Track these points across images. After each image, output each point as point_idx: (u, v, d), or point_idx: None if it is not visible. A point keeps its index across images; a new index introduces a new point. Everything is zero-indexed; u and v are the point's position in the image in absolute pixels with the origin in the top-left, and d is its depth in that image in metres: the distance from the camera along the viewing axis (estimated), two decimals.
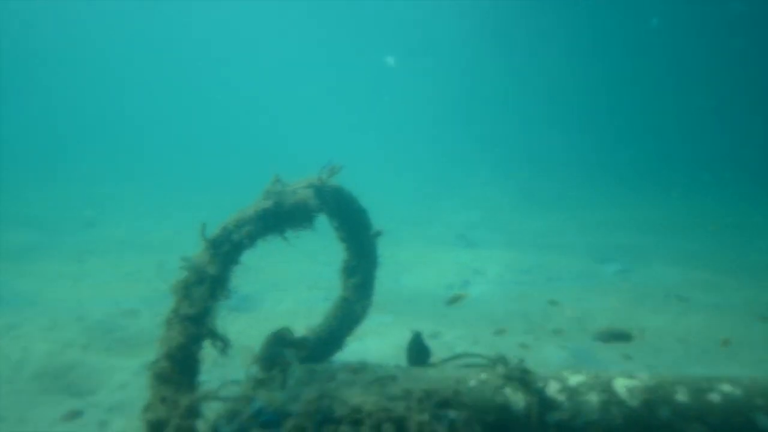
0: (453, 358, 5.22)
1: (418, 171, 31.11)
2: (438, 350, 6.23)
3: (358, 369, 4.90)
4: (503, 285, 11.45)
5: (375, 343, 7.64)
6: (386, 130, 50.93)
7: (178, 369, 4.43)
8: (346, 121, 56.57)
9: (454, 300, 7.07)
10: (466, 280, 11.92)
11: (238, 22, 66.39)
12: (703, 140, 39.61)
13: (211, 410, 4.65)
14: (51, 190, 24.09)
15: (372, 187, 5.65)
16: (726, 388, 4.34)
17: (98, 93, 60.21)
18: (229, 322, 4.62)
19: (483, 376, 4.60)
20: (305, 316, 8.78)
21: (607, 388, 4.38)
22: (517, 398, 4.43)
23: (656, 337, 7.79)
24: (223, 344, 4.65)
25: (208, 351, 4.61)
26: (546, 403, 4.40)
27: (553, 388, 4.46)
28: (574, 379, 4.49)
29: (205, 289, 4.56)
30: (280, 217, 4.84)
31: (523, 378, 4.45)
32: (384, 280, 6.10)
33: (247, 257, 4.74)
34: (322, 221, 5.31)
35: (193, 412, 4.30)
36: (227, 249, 4.65)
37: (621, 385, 4.39)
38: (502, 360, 4.56)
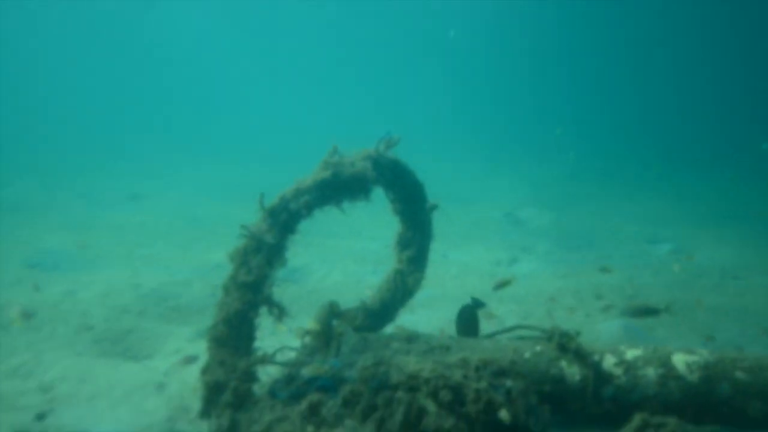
0: (507, 330, 5.22)
1: (467, 149, 30.91)
2: (487, 325, 6.23)
3: (412, 338, 4.94)
4: (552, 263, 11.36)
5: (425, 316, 7.66)
6: (435, 106, 50.60)
7: (236, 334, 4.53)
8: (394, 96, 56.41)
9: (501, 285, 7.02)
10: (514, 257, 11.85)
11: None
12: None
13: (268, 375, 4.76)
14: (100, 165, 24.57)
15: (419, 164, 5.61)
16: None
17: (148, 70, 61.01)
18: (279, 293, 4.67)
19: (538, 348, 4.60)
20: (353, 289, 8.88)
21: (665, 363, 4.34)
22: (572, 371, 4.42)
23: (712, 316, 7.67)
24: (279, 311, 4.72)
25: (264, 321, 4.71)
26: (602, 377, 4.38)
27: (609, 362, 4.44)
28: (631, 353, 4.46)
29: (262, 257, 4.63)
30: (337, 188, 4.88)
31: (578, 351, 4.44)
32: (431, 255, 6.09)
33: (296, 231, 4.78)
34: (374, 194, 5.31)
35: (250, 376, 4.40)
36: (285, 218, 4.71)
37: (680, 360, 4.34)
38: (557, 333, 4.54)
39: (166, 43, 63.32)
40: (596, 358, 4.46)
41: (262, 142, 34.55)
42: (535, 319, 7.47)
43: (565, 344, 4.48)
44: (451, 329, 5.76)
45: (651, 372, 4.33)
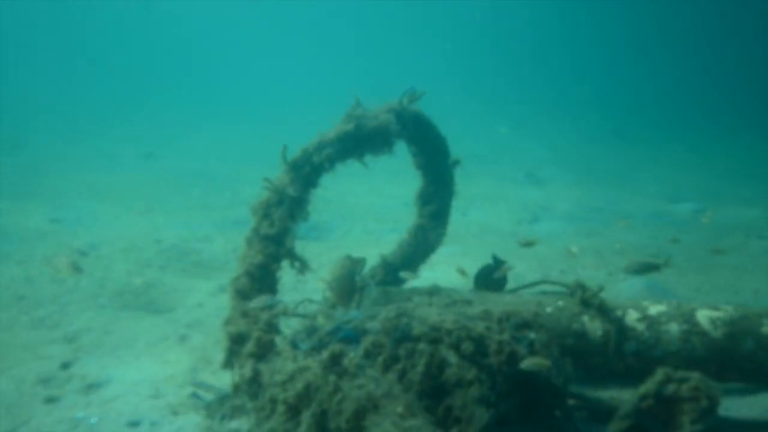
0: (529, 286, 5.19)
1: (489, 110, 30.61)
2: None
3: (433, 292, 4.93)
4: (573, 221, 11.29)
5: (445, 273, 7.65)
6: (458, 66, 50.05)
7: (258, 286, 4.54)
8: (417, 55, 55.76)
9: (527, 244, 6.97)
10: (535, 216, 11.79)
11: None
12: None
13: (289, 327, 4.78)
14: (117, 125, 24.62)
15: (438, 123, 5.53)
16: None
17: (162, 36, 60.63)
18: (299, 249, 4.66)
19: (560, 303, 4.58)
20: (374, 246, 8.86)
21: (689, 319, 4.31)
22: (594, 326, 4.40)
23: (736, 274, 7.61)
24: (301, 264, 4.72)
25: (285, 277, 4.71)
26: (624, 332, 4.36)
27: (631, 317, 4.41)
28: (655, 309, 4.42)
29: (284, 210, 4.61)
30: (360, 141, 4.82)
31: (601, 306, 4.41)
32: (452, 213, 6.03)
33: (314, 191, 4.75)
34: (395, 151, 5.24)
35: (272, 327, 4.42)
36: (307, 171, 4.67)
37: (704, 315, 4.31)
38: (580, 287, 4.51)
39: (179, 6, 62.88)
40: (619, 313, 4.43)
41: (280, 103, 34.41)
42: (556, 277, 7.43)
43: (588, 299, 4.45)
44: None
45: (674, 327, 4.30)
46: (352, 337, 4.05)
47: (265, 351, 4.25)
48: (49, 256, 7.71)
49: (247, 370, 4.17)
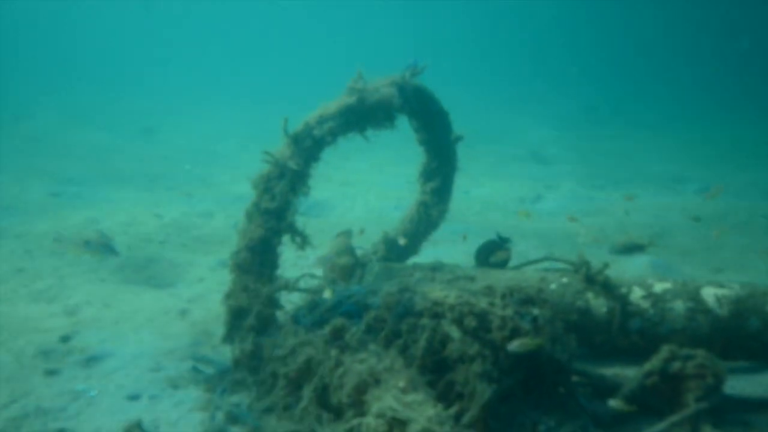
0: (533, 263, 5.15)
1: (492, 89, 30.46)
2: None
3: (436, 268, 4.89)
4: (577, 200, 11.23)
5: (447, 250, 7.61)
6: (460, 45, 49.70)
7: (259, 260, 4.49)
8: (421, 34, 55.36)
9: (525, 215, 6.94)
10: (538, 195, 11.73)
11: None
12: None
13: (291, 303, 4.74)
14: (116, 100, 24.49)
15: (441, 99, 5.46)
16: None
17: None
18: (300, 226, 4.60)
19: (564, 279, 4.53)
20: (376, 224, 8.81)
21: (694, 296, 4.26)
22: (598, 303, 4.36)
23: (740, 253, 7.56)
24: (302, 239, 4.67)
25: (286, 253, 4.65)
26: (629, 309, 4.32)
27: (636, 295, 4.36)
28: (660, 286, 4.37)
29: (285, 184, 4.54)
30: (362, 114, 4.74)
31: (606, 283, 4.36)
32: (454, 191, 5.96)
33: (316, 165, 4.67)
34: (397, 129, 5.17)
35: (273, 301, 4.38)
36: (309, 144, 4.59)
37: (710, 293, 4.26)
38: (584, 264, 4.46)
39: None
40: (624, 290, 4.38)
41: (281, 82, 34.24)
42: (559, 254, 7.38)
43: (593, 276, 4.40)
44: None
45: (679, 305, 4.25)
46: (354, 312, 4.02)
47: (265, 325, 4.22)
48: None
49: (248, 345, 4.14)
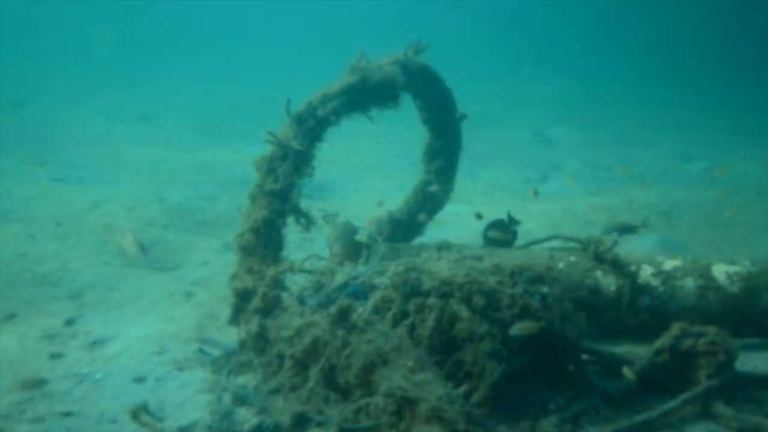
0: (541, 241, 5.09)
1: (495, 69, 30.24)
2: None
3: (443, 247, 4.83)
4: (583, 180, 11.15)
5: (453, 231, 7.56)
6: (462, 24, 49.30)
7: (264, 242, 4.45)
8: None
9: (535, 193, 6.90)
10: (544, 176, 11.66)
11: None
12: None
13: (295, 284, 4.70)
14: (115, 86, 24.39)
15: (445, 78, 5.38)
16: None
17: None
18: (304, 208, 4.55)
19: (572, 258, 4.48)
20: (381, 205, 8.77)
21: (705, 274, 4.21)
22: (607, 281, 4.31)
23: (750, 231, 7.50)
24: (307, 221, 4.62)
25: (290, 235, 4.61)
26: (638, 287, 4.27)
27: (646, 272, 4.31)
28: (670, 264, 4.32)
29: (289, 165, 4.49)
30: (365, 94, 4.67)
31: (615, 261, 4.31)
32: (459, 173, 5.89)
33: (320, 147, 4.61)
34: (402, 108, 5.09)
35: (278, 283, 4.34)
36: (312, 125, 4.53)
37: (720, 270, 4.20)
38: (593, 242, 4.40)
39: None
40: (633, 268, 4.33)
41: (283, 67, 34.06)
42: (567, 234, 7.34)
43: (602, 254, 4.35)
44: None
45: (690, 282, 4.20)
46: (361, 293, 3.98)
47: (271, 306, 4.18)
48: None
49: (254, 326, 4.10)
